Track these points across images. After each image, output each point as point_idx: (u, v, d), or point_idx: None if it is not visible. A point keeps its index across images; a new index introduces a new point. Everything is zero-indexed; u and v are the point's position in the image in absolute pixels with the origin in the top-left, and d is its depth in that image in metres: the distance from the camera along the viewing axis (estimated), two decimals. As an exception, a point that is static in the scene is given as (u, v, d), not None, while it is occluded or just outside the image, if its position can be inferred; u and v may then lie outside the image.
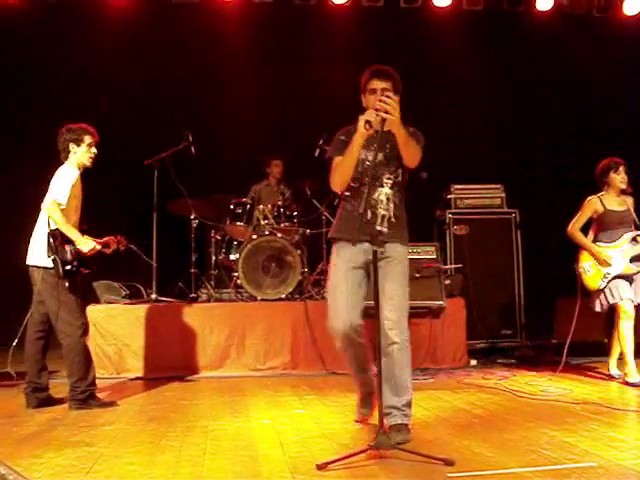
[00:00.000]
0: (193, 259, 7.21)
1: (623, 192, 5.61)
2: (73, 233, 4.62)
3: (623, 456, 3.16)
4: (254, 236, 6.96)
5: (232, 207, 7.25)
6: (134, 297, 6.90)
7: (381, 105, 3.46)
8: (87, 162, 4.82)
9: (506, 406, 4.68)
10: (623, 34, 8.59)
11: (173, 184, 6.92)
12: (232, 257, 7.26)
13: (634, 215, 5.58)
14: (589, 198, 5.65)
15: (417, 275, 6.17)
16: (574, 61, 8.60)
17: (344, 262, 3.77)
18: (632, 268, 5.39)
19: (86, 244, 4.65)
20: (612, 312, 5.56)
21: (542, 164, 8.01)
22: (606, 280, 5.44)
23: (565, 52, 8.58)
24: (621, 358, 5.50)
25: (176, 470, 3.12)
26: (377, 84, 3.75)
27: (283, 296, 6.84)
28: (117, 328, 6.39)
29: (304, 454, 3.38)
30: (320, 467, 3.12)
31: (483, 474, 2.95)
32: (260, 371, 6.42)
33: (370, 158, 3.65)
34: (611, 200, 5.58)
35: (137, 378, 6.17)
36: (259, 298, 6.81)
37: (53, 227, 4.54)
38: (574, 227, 5.64)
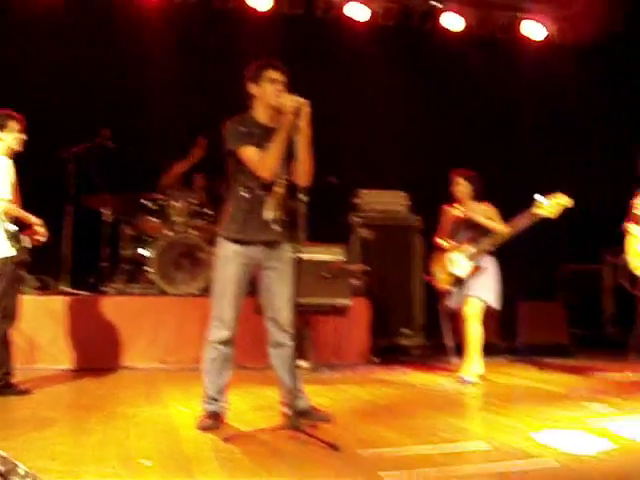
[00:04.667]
0: (105, 253, 7.32)
1: (479, 200, 5.90)
2: (31, 218, 4.77)
3: (512, 439, 3.55)
4: (168, 232, 7.13)
5: (146, 203, 7.37)
6: (45, 289, 6.94)
7: (297, 99, 3.63)
8: (16, 147, 4.85)
9: (407, 398, 5.09)
10: (525, 56, 9.31)
11: (88, 177, 7.02)
12: (144, 252, 7.39)
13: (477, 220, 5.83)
14: (444, 207, 6.09)
15: (324, 275, 6.49)
16: (479, 78, 9.13)
17: (236, 257, 3.88)
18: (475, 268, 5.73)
19: (41, 231, 4.82)
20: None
21: (445, 175, 8.49)
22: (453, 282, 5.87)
23: (471, 69, 9.10)
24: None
25: (103, 451, 3.30)
26: (277, 75, 3.84)
27: (195, 292, 7.04)
28: (27, 319, 6.40)
29: (226, 432, 3.63)
30: (226, 439, 3.46)
31: (390, 451, 3.28)
32: (170, 364, 6.58)
33: None
34: (465, 209, 5.91)
35: (48, 369, 6.21)
36: (171, 293, 6.98)
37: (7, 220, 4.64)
38: (438, 235, 6.07)
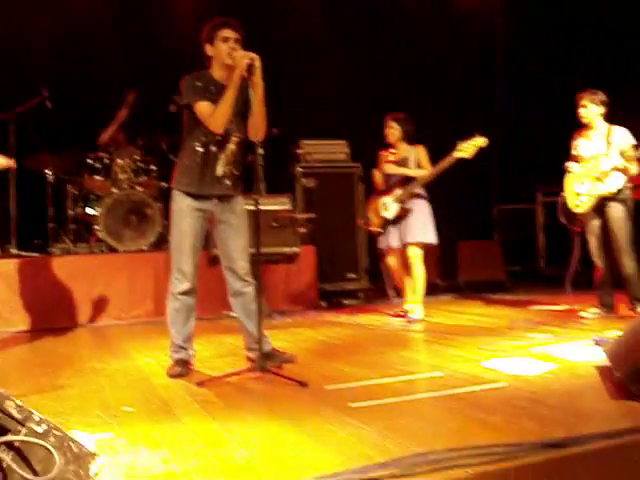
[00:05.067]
0: (50, 214, 7.33)
1: (410, 142, 6.11)
2: None
3: (462, 366, 3.85)
4: (114, 189, 7.17)
5: (90, 161, 7.37)
6: (-9, 252, 6.93)
7: (248, 54, 3.75)
8: None
9: (359, 336, 5.38)
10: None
11: (28, 139, 6.98)
12: (90, 211, 7.42)
13: (415, 161, 6.07)
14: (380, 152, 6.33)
15: (273, 224, 6.68)
16: (414, 25, 9.30)
17: (191, 211, 4.01)
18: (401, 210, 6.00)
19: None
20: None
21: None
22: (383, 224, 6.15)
23: (406, 17, 9.26)
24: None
25: (83, 403, 3.44)
26: (230, 33, 3.90)
27: (144, 247, 7.14)
28: (-23, 283, 6.44)
29: (197, 378, 3.81)
30: (199, 384, 3.66)
31: (354, 385, 3.54)
32: (125, 319, 6.72)
33: None
34: (397, 152, 6.14)
35: (1, 332, 6.24)
36: (121, 250, 7.07)
37: None
38: (375, 179, 6.32)
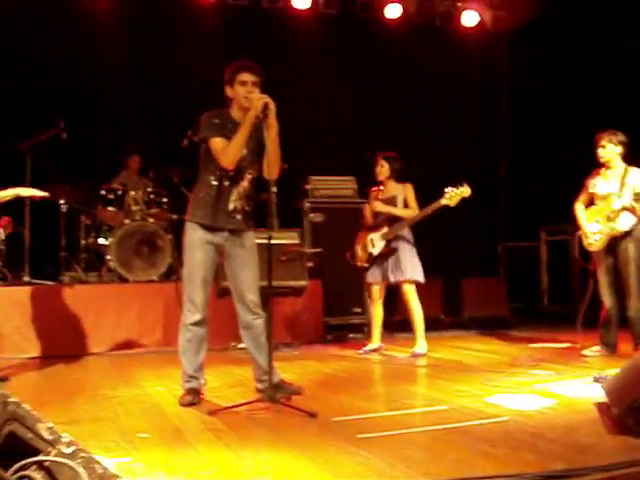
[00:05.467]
0: (63, 243, 7.49)
1: (398, 181, 6.32)
2: (6, 192, 5.00)
3: (466, 401, 3.97)
4: (126, 220, 7.34)
5: (104, 193, 7.54)
6: (5, 279, 7.07)
7: (263, 96, 3.94)
8: None
9: (365, 370, 5.51)
10: (463, 43, 9.77)
11: (43, 169, 7.17)
12: (102, 241, 7.59)
13: (403, 200, 6.25)
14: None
15: (282, 258, 6.82)
16: (419, 64, 9.55)
17: (203, 244, 4.17)
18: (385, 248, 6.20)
19: (26, 189, 5.11)
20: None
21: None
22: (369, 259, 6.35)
23: (411, 56, 9.50)
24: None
25: (98, 428, 3.56)
26: (248, 77, 4.08)
27: (155, 278, 7.28)
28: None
29: (208, 407, 3.93)
30: (211, 412, 3.78)
31: (361, 417, 3.65)
32: (134, 349, 6.83)
33: (243, 152, 4.16)
34: (386, 190, 6.33)
35: (14, 358, 6.34)
36: (131, 280, 7.21)
37: None
38: (365, 216, 6.54)
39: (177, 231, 7.71)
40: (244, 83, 4.10)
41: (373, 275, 6.31)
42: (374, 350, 6.28)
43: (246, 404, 3.87)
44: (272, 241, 6.30)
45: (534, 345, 6.57)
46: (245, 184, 4.23)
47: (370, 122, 9.27)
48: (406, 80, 9.56)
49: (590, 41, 8.43)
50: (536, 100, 9.58)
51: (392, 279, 6.17)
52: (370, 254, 6.29)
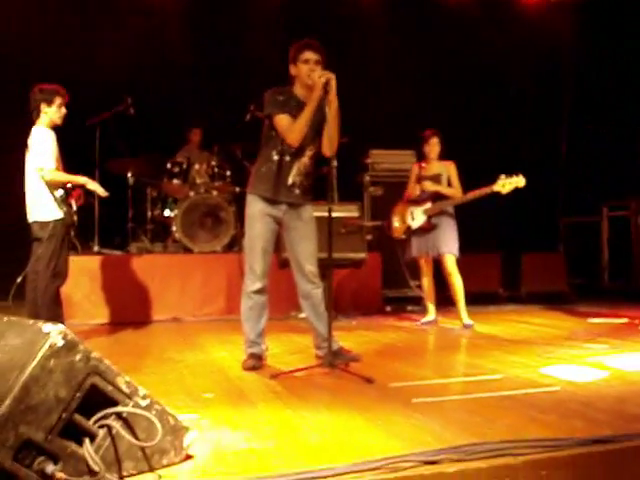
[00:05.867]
0: (130, 214, 7.77)
1: (441, 158, 6.39)
2: (77, 179, 5.19)
3: (520, 372, 4.05)
4: (191, 193, 7.57)
5: (169, 166, 7.79)
6: (76, 249, 7.38)
7: (324, 73, 4.05)
8: (58, 121, 5.24)
9: (421, 340, 5.64)
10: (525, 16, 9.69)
11: (112, 144, 7.43)
12: (167, 213, 7.85)
13: (446, 178, 6.33)
14: (412, 165, 6.68)
15: (342, 231, 6.94)
16: (478, 39, 9.50)
17: (263, 216, 4.33)
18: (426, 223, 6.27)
19: (94, 183, 5.29)
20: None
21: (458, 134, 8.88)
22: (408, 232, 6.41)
23: (471, 30, 9.46)
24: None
25: (166, 388, 3.76)
26: (311, 55, 4.19)
27: (218, 249, 7.51)
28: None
29: (269, 372, 4.11)
30: (273, 376, 3.95)
31: (417, 384, 3.78)
32: (198, 316, 7.09)
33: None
34: (430, 167, 6.40)
35: (83, 324, 6.62)
36: (196, 250, 7.45)
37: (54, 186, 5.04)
38: (408, 191, 6.55)
39: (240, 203, 7.90)
40: (307, 61, 4.21)
41: (417, 249, 6.38)
42: (430, 322, 6.38)
43: (306, 369, 4.03)
44: (332, 214, 6.51)
45: (592, 320, 6.57)
46: (305, 160, 4.36)
47: (429, 98, 9.28)
48: (466, 56, 9.52)
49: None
50: (600, 74, 9.45)
51: (434, 252, 6.26)
52: (409, 227, 6.37)
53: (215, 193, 7.63)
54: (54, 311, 5.22)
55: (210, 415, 3.11)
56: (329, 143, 4.19)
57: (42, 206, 5.07)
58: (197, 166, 7.75)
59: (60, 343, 2.15)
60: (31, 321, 2.41)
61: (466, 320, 6.19)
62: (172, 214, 7.67)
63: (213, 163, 7.87)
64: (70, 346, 2.19)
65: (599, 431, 2.67)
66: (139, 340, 5.75)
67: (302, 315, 6.80)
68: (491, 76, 9.64)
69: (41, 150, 5.03)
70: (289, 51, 4.33)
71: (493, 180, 5.91)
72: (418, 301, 8.05)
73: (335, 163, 4.17)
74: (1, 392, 2.11)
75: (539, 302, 8.00)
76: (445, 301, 6.69)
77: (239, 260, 7.25)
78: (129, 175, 7.76)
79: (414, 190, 6.50)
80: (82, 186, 5.38)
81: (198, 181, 7.69)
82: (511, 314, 7.31)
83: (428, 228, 6.26)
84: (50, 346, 2.13)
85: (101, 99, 7.69)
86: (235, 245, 7.62)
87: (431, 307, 6.48)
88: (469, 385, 3.74)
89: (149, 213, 7.91)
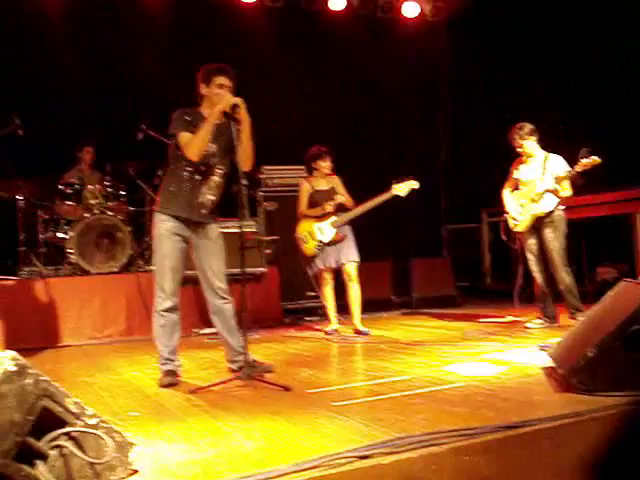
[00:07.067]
0: (21, 238, 7.61)
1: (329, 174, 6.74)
2: None
3: (426, 372, 4.34)
4: (86, 214, 7.50)
5: (61, 187, 7.66)
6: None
7: (235, 98, 4.25)
8: None
9: (326, 348, 5.87)
10: (404, 34, 10.20)
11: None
12: (61, 235, 7.71)
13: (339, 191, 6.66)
14: (300, 181, 6.91)
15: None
16: (361, 55, 9.91)
17: (171, 235, 4.44)
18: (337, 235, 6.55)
19: None
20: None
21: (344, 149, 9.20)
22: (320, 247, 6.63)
23: (355, 48, 9.85)
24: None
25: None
26: (225, 81, 4.38)
27: (115, 269, 7.48)
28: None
29: (186, 388, 4.21)
30: (192, 391, 4.07)
31: (332, 389, 4.00)
32: (100, 339, 7.04)
33: (213, 148, 4.47)
34: (318, 181, 6.71)
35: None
36: (93, 272, 7.39)
37: None
38: (300, 210, 6.75)
39: (135, 223, 7.96)
40: (221, 87, 4.39)
41: (324, 261, 6.60)
42: (335, 331, 6.61)
43: (225, 382, 4.17)
44: (232, 230, 6.65)
45: (481, 320, 7.01)
46: (216, 178, 4.51)
47: (315, 113, 9.59)
48: (350, 71, 9.90)
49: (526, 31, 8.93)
50: (474, 87, 10.05)
51: (342, 261, 6.52)
52: (320, 242, 6.59)
53: (110, 213, 7.59)
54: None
55: (141, 432, 3.19)
56: (243, 160, 4.37)
57: None
58: (90, 186, 7.67)
59: (12, 368, 2.22)
60: (-27, 349, 2.44)
61: (361, 327, 6.47)
62: (66, 236, 7.56)
63: (106, 183, 7.82)
64: (21, 370, 2.26)
65: (508, 418, 2.96)
66: (44, 365, 5.64)
67: (203, 331, 6.97)
68: (372, 89, 10.07)
69: None
70: (201, 70, 4.48)
71: (381, 189, 6.27)
72: (315, 311, 8.31)
73: (245, 181, 4.30)
74: (-49, 421, 2.16)
75: (430, 306, 8.42)
76: (341, 309, 6.98)
77: (137, 280, 7.28)
78: (19, 198, 7.60)
79: (306, 206, 6.69)
80: None
81: (92, 202, 7.60)
82: (404, 319, 7.68)
83: (340, 240, 6.49)
84: (3, 372, 2.19)
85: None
86: (132, 265, 7.61)
87: (334, 316, 6.70)
88: (381, 387, 3.98)
89: (41, 236, 7.74)
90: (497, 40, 9.52)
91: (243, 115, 4.28)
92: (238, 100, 4.26)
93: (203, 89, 4.47)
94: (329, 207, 6.49)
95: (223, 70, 4.45)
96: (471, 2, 9.92)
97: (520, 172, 6.28)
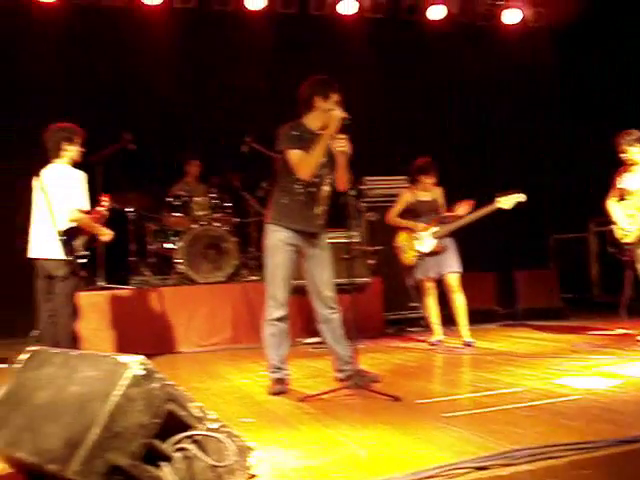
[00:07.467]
0: (132, 248, 7.91)
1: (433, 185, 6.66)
2: (97, 228, 5.35)
3: (537, 384, 4.26)
4: (194, 225, 7.73)
5: (170, 199, 7.95)
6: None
7: (344, 114, 4.31)
8: (77, 158, 5.41)
9: (432, 359, 5.83)
10: (504, 41, 10.06)
11: (112, 179, 7.61)
12: (168, 245, 7.98)
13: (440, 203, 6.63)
14: (402, 191, 6.85)
15: (346, 256, 7.14)
16: (463, 64, 9.85)
17: (285, 245, 4.52)
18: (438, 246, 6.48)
19: (108, 234, 5.44)
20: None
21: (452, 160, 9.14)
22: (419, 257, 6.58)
23: (455, 56, 9.81)
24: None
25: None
26: (339, 98, 4.46)
27: (222, 279, 7.66)
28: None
29: (295, 396, 4.27)
30: (302, 399, 4.12)
31: (442, 399, 3.98)
32: (207, 347, 7.22)
33: (323, 160, 4.53)
34: (421, 192, 6.63)
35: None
36: (200, 281, 7.60)
37: (67, 226, 5.13)
38: (391, 214, 6.72)
39: (240, 234, 8.14)
40: (338, 103, 4.45)
41: (425, 271, 6.57)
42: (439, 342, 6.56)
43: (334, 391, 4.21)
44: (336, 240, 6.71)
45: (589, 333, 6.80)
46: (326, 188, 4.59)
47: (418, 124, 9.58)
48: (452, 79, 9.85)
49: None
50: (582, 96, 9.81)
51: (443, 272, 6.47)
52: (419, 252, 6.56)
53: (217, 224, 7.80)
54: (73, 347, 5.36)
55: (256, 438, 3.25)
56: (339, 178, 4.48)
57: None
58: (197, 198, 7.91)
59: (141, 373, 2.32)
60: (103, 354, 2.57)
61: (468, 338, 6.40)
62: (174, 246, 7.81)
63: (212, 195, 8.04)
64: (149, 375, 2.36)
65: (626, 432, 2.87)
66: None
67: (308, 340, 7.04)
68: (474, 98, 9.98)
69: (77, 190, 5.18)
70: (316, 81, 4.54)
71: (484, 201, 6.20)
72: (417, 322, 8.26)
73: (353, 192, 4.37)
74: (84, 422, 2.27)
75: (535, 318, 8.23)
76: (445, 320, 6.92)
77: (243, 289, 7.44)
78: (129, 210, 7.91)
79: (397, 213, 6.67)
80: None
81: (200, 213, 7.84)
82: (509, 331, 7.53)
83: (441, 251, 6.46)
84: (132, 376, 2.30)
85: (102, 135, 7.86)
86: (238, 275, 7.79)
87: (438, 327, 6.65)
88: (491, 398, 3.93)
89: (150, 247, 8.03)
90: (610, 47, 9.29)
91: (345, 146, 4.35)
92: (345, 115, 4.31)
93: (319, 102, 4.49)
94: (422, 228, 6.50)
95: (338, 87, 4.51)
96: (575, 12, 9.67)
97: (626, 181, 6.06)
